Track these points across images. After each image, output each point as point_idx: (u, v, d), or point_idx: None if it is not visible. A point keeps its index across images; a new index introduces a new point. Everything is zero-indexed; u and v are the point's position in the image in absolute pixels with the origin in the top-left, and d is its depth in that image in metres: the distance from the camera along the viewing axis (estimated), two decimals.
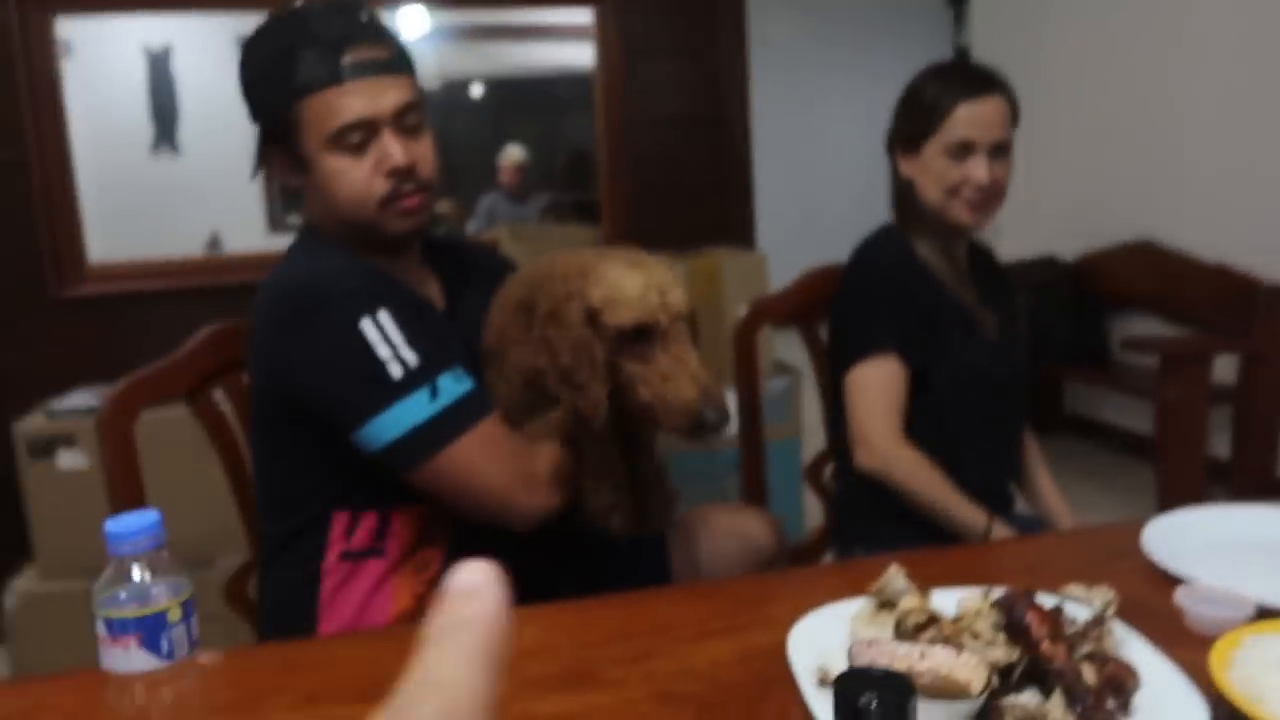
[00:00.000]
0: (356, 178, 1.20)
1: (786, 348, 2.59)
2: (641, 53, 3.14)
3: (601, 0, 2.94)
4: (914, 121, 1.55)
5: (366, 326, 1.14)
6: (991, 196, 1.54)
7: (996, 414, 1.58)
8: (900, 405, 1.50)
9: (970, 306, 1.54)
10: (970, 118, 1.50)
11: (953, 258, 1.58)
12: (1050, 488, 1.67)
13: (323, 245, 1.26)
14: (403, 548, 1.26)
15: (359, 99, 1.17)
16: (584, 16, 3.07)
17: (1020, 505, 1.66)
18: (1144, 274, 3.95)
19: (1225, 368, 3.48)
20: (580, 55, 3.78)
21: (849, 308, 1.59)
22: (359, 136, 1.19)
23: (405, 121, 1.22)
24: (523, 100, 8.19)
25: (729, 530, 1.44)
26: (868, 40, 7.38)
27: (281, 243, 4.05)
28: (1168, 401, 3.37)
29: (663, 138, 3.17)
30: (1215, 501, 3.39)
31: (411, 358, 1.14)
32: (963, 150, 1.51)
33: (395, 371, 1.13)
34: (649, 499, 1.35)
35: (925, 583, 0.91)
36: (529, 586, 1.37)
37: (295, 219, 4.68)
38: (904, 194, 1.59)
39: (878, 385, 1.50)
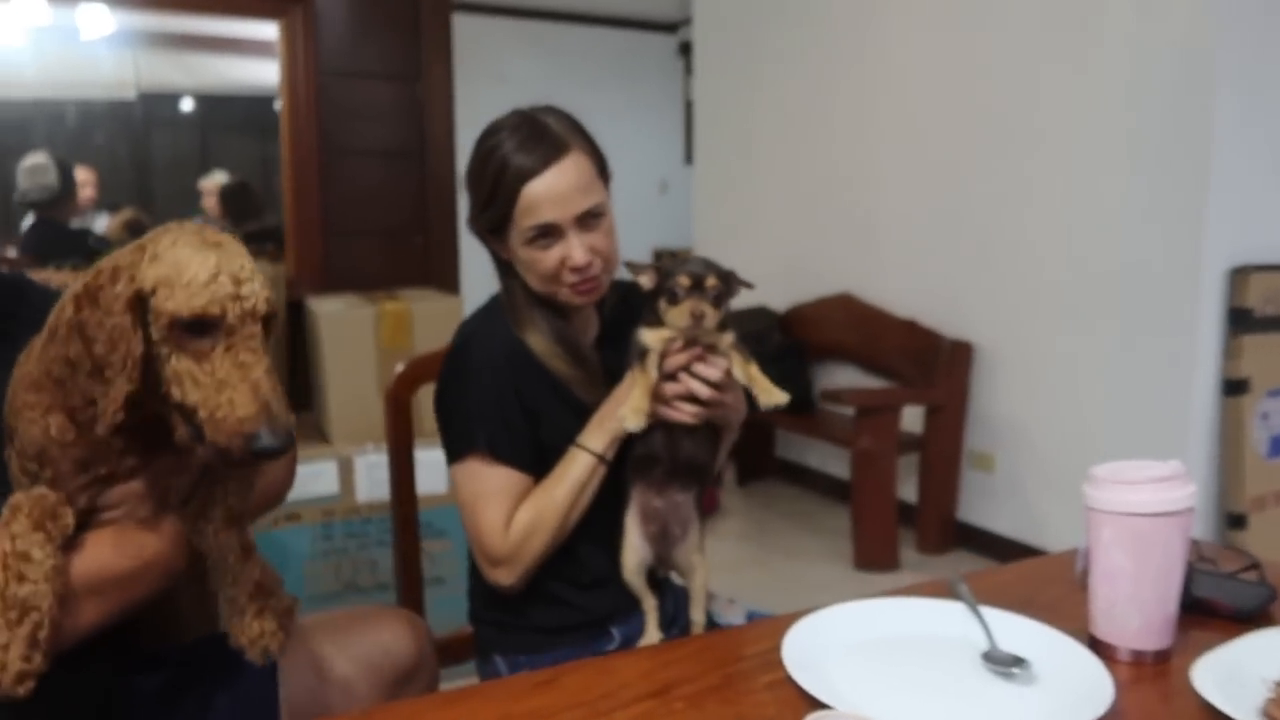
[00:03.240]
0: None
1: None
2: (336, 75, 2.89)
3: (288, 14, 2.66)
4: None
5: None
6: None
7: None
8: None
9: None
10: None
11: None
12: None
13: None
14: None
15: None
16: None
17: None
18: (844, 326, 4.14)
19: (914, 417, 3.69)
20: None
21: None
22: None
23: None
24: (238, 120, 7.64)
25: (357, 642, 1.22)
26: (604, 88, 7.44)
27: None
28: (861, 449, 3.51)
29: (359, 168, 2.92)
30: (905, 544, 3.56)
31: None
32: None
33: None
34: (251, 616, 1.04)
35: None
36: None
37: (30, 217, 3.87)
38: None
39: None
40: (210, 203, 4.93)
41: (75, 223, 3.89)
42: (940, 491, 3.65)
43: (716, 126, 5.06)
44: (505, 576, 1.31)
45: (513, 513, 1.29)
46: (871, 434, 3.48)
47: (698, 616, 1.34)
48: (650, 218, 7.42)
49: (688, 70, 7.53)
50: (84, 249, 3.69)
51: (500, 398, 1.31)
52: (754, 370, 1.25)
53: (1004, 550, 3.51)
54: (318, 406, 2.66)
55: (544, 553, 1.30)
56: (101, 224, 3.99)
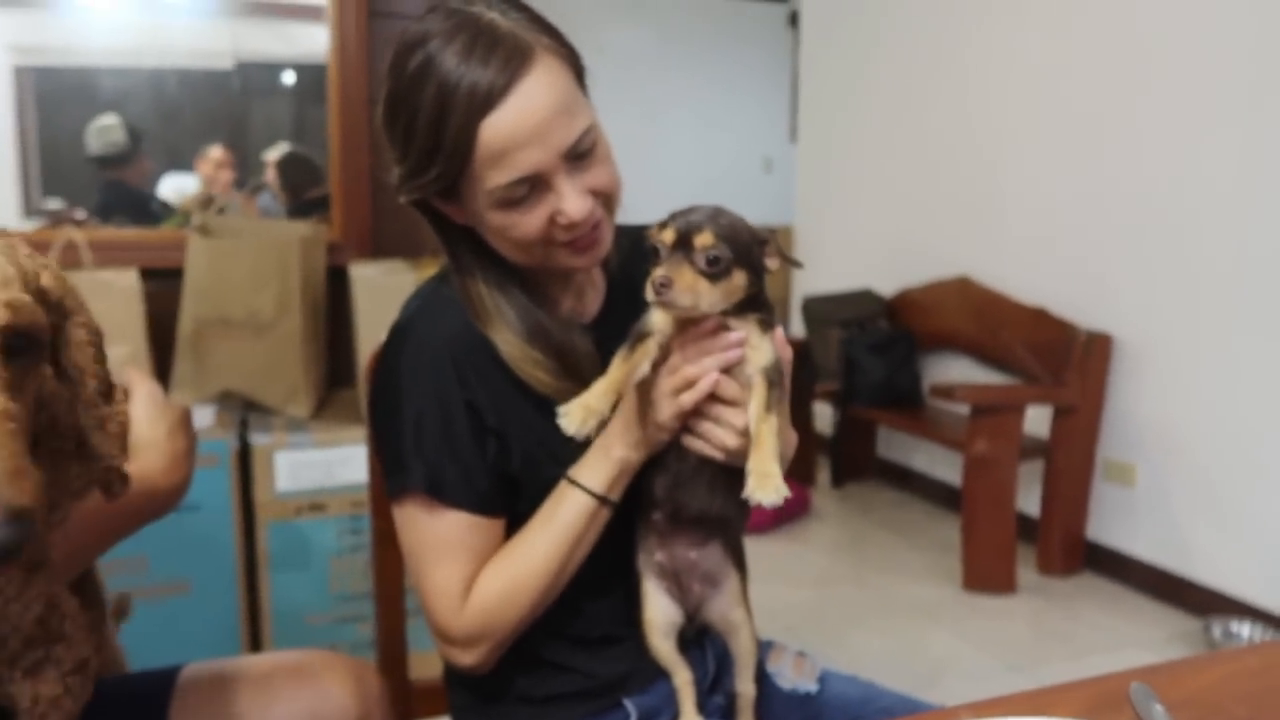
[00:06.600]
0: None
1: None
2: (390, 17, 2.62)
3: None
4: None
5: None
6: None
7: None
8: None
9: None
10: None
11: None
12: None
13: None
14: None
15: None
16: None
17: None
18: (960, 313, 3.68)
19: (1039, 419, 3.22)
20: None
21: None
22: None
23: None
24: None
25: (280, 702, 0.90)
26: (709, 60, 7.09)
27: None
28: (976, 453, 3.07)
29: None
30: (1023, 563, 3.10)
31: None
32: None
33: None
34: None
35: None
36: None
37: (56, 203, 3.86)
38: None
39: None
40: (271, 174, 4.84)
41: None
42: (1067, 505, 3.18)
43: (823, 98, 4.67)
44: (464, 657, 0.95)
45: (472, 571, 0.93)
46: (989, 436, 3.04)
47: (744, 688, 0.98)
48: (753, 197, 7.01)
49: (797, 43, 7.09)
50: (148, 212, 3.62)
51: (444, 414, 0.93)
52: (766, 430, 0.82)
53: (1142, 576, 3.02)
54: (357, 384, 2.41)
55: (521, 625, 0.94)
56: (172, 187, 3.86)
